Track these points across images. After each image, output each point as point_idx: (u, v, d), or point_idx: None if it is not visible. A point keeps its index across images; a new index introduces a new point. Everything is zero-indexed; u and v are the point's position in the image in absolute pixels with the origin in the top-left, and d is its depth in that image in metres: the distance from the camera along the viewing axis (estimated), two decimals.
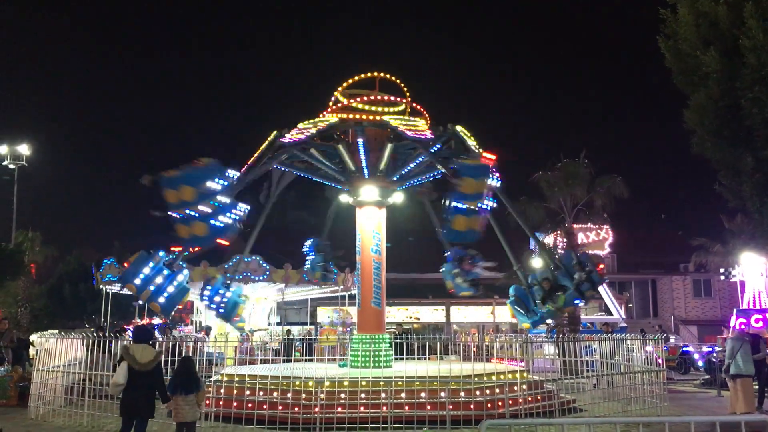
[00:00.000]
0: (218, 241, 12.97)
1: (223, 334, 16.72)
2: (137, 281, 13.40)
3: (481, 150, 15.39)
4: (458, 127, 15.52)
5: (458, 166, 13.17)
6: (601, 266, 15.13)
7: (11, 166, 38.46)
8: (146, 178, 12.75)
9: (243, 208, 13.34)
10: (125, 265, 13.61)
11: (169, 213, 12.50)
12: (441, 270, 17.63)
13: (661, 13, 15.72)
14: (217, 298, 15.01)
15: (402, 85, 16.05)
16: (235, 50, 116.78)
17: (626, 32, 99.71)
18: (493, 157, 13.60)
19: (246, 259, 20.96)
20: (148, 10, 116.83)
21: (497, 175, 14.57)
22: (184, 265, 14.56)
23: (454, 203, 12.79)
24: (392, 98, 15.77)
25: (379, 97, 15.74)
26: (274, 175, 16.61)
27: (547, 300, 14.97)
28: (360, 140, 15.17)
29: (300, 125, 15.26)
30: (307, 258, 18.19)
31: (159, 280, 13.64)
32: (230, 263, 21.13)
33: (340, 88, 16.06)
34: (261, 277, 22.27)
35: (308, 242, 18.21)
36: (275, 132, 15.64)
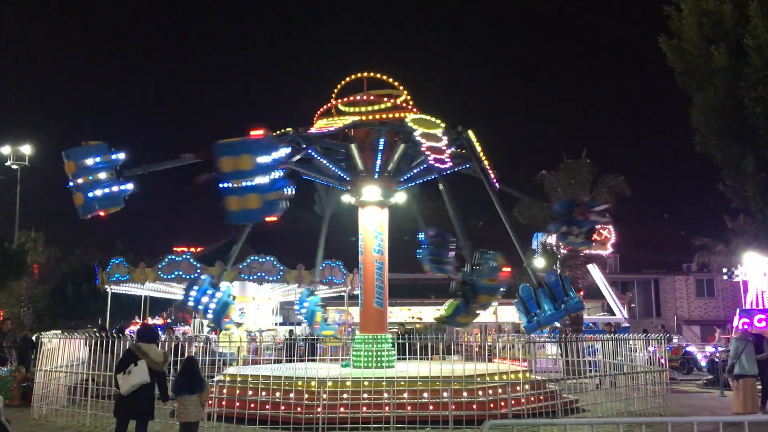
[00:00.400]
0: (267, 217, 12.57)
1: (226, 335, 16.77)
2: (82, 163, 13.36)
3: (488, 163, 15.46)
4: (470, 132, 15.49)
5: (215, 146, 12.44)
6: (507, 269, 14.78)
7: (14, 167, 38.47)
8: (202, 177, 12.82)
9: (125, 187, 13.42)
10: (82, 143, 13.55)
11: (220, 183, 12.13)
12: (418, 254, 17.00)
13: (665, 11, 15.69)
14: (204, 299, 14.58)
15: (393, 81, 16.08)
16: (235, 50, 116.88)
17: (629, 31, 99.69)
18: (260, 132, 12.54)
19: (260, 260, 20.98)
20: (149, 10, 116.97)
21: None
22: (227, 284, 15.02)
23: (220, 185, 12.27)
24: (374, 97, 15.87)
25: (366, 97, 15.82)
26: (321, 189, 16.73)
27: (527, 316, 14.82)
28: (381, 140, 15.16)
29: (318, 122, 15.21)
30: (302, 308, 17.80)
31: (103, 175, 13.47)
32: (244, 264, 21.17)
33: (335, 90, 16.13)
34: (275, 278, 22.26)
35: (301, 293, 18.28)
36: (290, 129, 15.51)
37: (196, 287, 14.66)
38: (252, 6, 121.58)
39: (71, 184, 13.31)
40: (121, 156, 13.52)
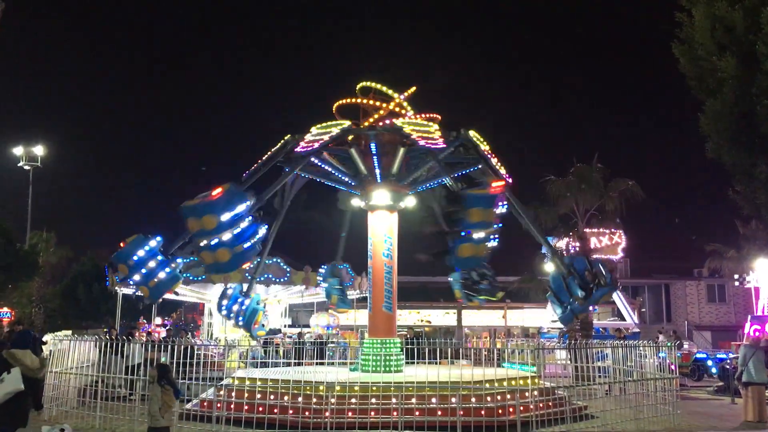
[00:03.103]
0: (242, 265, 13.34)
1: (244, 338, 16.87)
2: (130, 262, 13.52)
3: (496, 161, 15.43)
4: (471, 132, 15.48)
5: (466, 196, 13.11)
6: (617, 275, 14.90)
7: (26, 167, 38.71)
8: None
9: (262, 229, 13.41)
10: (120, 245, 13.64)
11: (195, 242, 12.80)
12: (450, 280, 17.51)
13: (677, 17, 15.62)
14: (235, 307, 15.26)
15: (386, 89, 16.14)
16: (248, 55, 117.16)
17: (641, 36, 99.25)
18: (501, 183, 13.44)
19: (266, 262, 21.02)
20: (165, 14, 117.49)
21: (504, 202, 14.17)
22: (181, 259, 14.83)
23: (461, 232, 12.78)
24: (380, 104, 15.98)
25: (367, 101, 16.02)
26: (287, 180, 16.63)
27: (560, 305, 14.81)
28: (373, 144, 15.20)
29: (313, 129, 15.26)
30: (322, 284, 18.15)
31: (152, 264, 13.62)
32: (250, 265, 21.14)
33: (335, 105, 16.35)
34: (281, 279, 22.20)
35: (323, 268, 18.35)
36: (288, 136, 15.67)
37: (226, 297, 15.48)
38: (258, 12, 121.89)
39: (131, 281, 13.76)
40: (158, 240, 13.71)
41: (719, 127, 15.03)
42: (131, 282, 13.81)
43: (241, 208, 12.65)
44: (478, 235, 12.89)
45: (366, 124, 15.65)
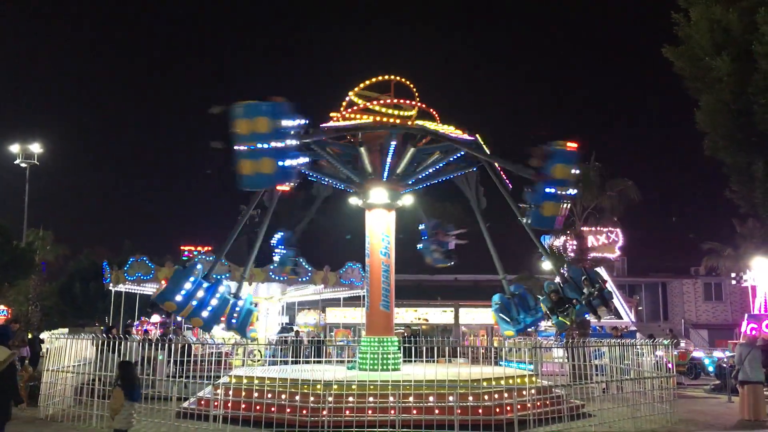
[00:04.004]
0: (279, 184, 12.55)
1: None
2: (178, 298, 13.33)
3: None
4: (477, 136, 15.60)
5: (552, 150, 12.98)
6: (606, 283, 15.07)
7: (23, 165, 38.63)
8: (216, 108, 12.15)
9: (222, 287, 13.52)
10: (162, 282, 13.50)
11: (234, 146, 11.84)
12: (419, 247, 17.84)
13: (674, 18, 15.65)
14: (226, 310, 14.44)
15: (413, 88, 16.03)
16: (248, 52, 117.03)
17: (638, 35, 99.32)
18: (280, 98, 12.50)
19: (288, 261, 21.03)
20: (164, 13, 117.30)
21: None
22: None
23: (546, 189, 12.78)
24: (404, 102, 15.75)
25: (390, 101, 15.72)
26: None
27: (555, 311, 14.87)
28: (393, 143, 15.17)
29: (331, 123, 15.20)
30: (276, 251, 17.91)
31: (200, 294, 13.52)
32: (275, 264, 21.14)
33: (355, 89, 15.97)
34: (303, 279, 22.21)
35: (277, 235, 17.95)
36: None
37: (189, 279, 13.92)
38: (267, 7, 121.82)
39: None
40: (199, 268, 13.40)
41: (716, 124, 15.06)
42: (183, 319, 13.51)
43: (292, 123, 12.18)
44: (561, 191, 12.98)
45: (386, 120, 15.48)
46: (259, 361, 19.40)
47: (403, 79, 15.90)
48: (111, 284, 23.25)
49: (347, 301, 27.50)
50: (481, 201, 16.86)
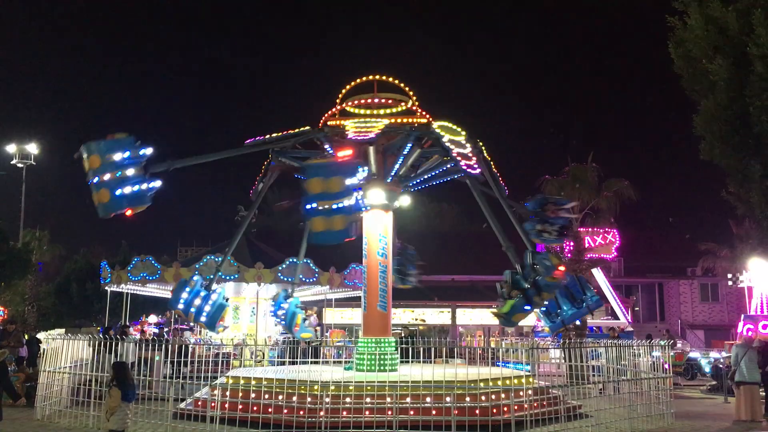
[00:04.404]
0: (347, 239, 12.87)
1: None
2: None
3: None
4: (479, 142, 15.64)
5: (305, 167, 13.04)
6: (562, 268, 14.50)
7: (19, 165, 38.57)
8: (285, 203, 13.02)
9: (154, 183, 13.23)
10: (107, 137, 13.33)
11: (306, 204, 12.50)
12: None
13: (669, 21, 15.66)
14: (197, 301, 14.28)
15: (403, 85, 16.02)
16: (247, 55, 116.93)
17: (635, 35, 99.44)
18: (349, 152, 13.19)
19: (297, 262, 21.08)
20: (163, 13, 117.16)
21: (360, 171, 13.57)
22: (214, 289, 14.75)
23: (306, 205, 12.58)
24: (390, 101, 15.79)
25: (377, 100, 15.76)
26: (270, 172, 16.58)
27: (547, 317, 14.71)
28: (409, 145, 15.16)
29: (349, 124, 15.03)
30: (282, 305, 17.38)
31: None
32: (283, 266, 21.20)
33: (343, 91, 16.03)
34: (310, 280, 22.27)
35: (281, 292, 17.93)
36: (307, 127, 15.54)
37: (188, 289, 14.35)
38: (263, 7, 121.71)
39: (95, 180, 12.74)
40: (149, 151, 13.23)
41: (713, 128, 15.06)
42: (95, 180, 13.00)
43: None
44: (325, 206, 12.57)
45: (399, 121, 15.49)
46: (261, 362, 19.42)
47: (389, 78, 15.90)
48: (112, 284, 23.07)
49: (343, 301, 27.55)
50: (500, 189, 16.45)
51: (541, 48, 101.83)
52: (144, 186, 13.12)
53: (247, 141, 15.41)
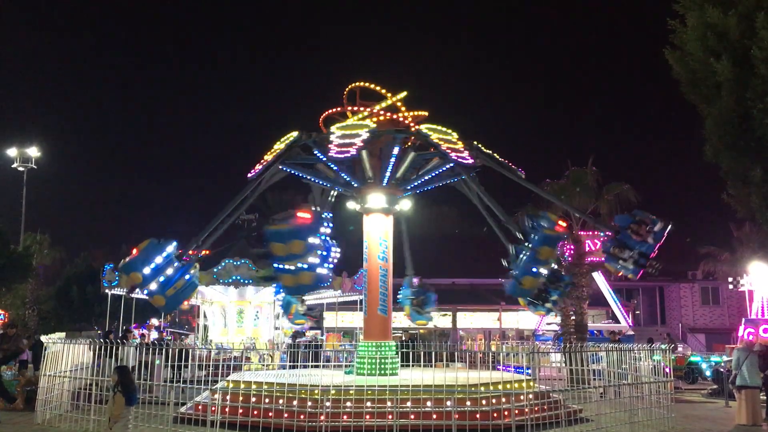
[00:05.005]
0: (321, 288, 13.78)
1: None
2: (146, 270, 12.99)
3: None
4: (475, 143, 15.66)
5: (265, 234, 13.37)
6: (562, 223, 13.97)
7: (20, 169, 38.58)
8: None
9: (193, 269, 13.70)
10: (133, 251, 13.26)
11: (273, 263, 13.11)
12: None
13: (670, 24, 15.66)
14: (169, 271, 13.37)
15: (383, 91, 16.13)
16: (247, 54, 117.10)
17: (636, 39, 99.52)
18: (308, 216, 13.63)
19: None
20: (163, 15, 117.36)
21: (325, 228, 14.69)
22: (193, 259, 14.15)
23: (531, 267, 13.15)
24: (368, 109, 15.97)
25: (357, 108, 16.03)
26: (315, 189, 16.99)
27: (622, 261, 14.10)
28: (397, 147, 15.21)
29: (335, 129, 15.10)
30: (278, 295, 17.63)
31: (169, 271, 13.28)
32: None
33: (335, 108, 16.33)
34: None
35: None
36: (295, 133, 15.57)
37: (164, 253, 13.26)
38: (257, 8, 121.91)
39: (146, 292, 13.41)
40: (174, 244, 13.54)
41: (720, 132, 15.05)
42: (147, 293, 13.36)
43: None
44: (543, 270, 13.33)
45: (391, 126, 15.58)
46: (270, 365, 19.45)
47: (371, 85, 16.07)
48: (121, 287, 22.93)
49: (341, 305, 27.56)
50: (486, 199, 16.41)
51: (542, 49, 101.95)
52: (187, 275, 13.55)
53: (249, 175, 15.64)
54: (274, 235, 12.99)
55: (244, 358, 18.57)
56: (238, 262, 20.99)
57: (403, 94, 16.08)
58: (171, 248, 13.42)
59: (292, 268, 12.95)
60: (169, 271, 13.30)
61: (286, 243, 12.86)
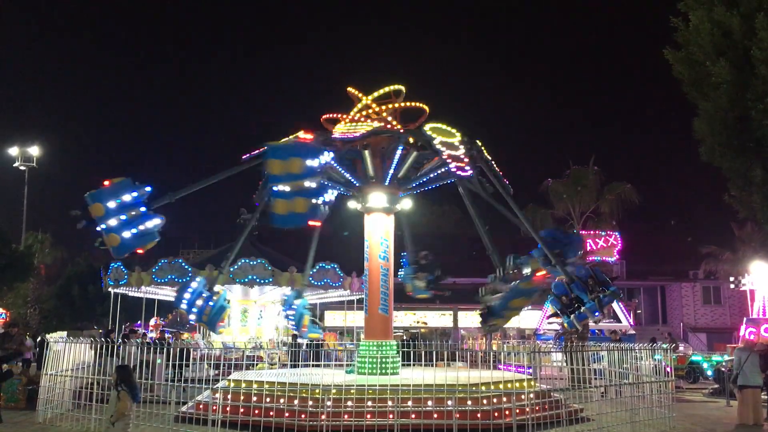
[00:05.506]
0: (312, 221, 12.97)
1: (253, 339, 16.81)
2: (111, 204, 12.88)
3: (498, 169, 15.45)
4: (478, 141, 15.64)
5: (265, 149, 12.94)
6: (540, 273, 14.38)
7: (22, 168, 38.61)
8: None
9: (156, 220, 13.24)
10: (104, 183, 12.95)
11: (269, 185, 12.60)
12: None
13: (673, 22, 15.65)
14: (199, 302, 14.20)
15: (403, 89, 16.09)
16: (244, 55, 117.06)
17: (638, 38, 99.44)
18: (310, 136, 13.19)
19: (326, 267, 21.09)
20: (162, 16, 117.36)
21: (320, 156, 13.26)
22: (216, 291, 14.49)
23: (270, 187, 12.57)
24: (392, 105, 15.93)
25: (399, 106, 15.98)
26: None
27: (566, 313, 14.60)
28: (400, 147, 15.20)
29: (338, 128, 15.14)
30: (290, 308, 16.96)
31: (200, 302, 13.53)
32: (314, 270, 21.31)
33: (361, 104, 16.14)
34: (336, 284, 22.44)
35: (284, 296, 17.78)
36: (301, 132, 15.48)
37: (189, 289, 14.29)
38: (261, 12, 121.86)
39: (103, 226, 12.91)
40: (147, 189, 13.31)
41: (713, 131, 15.06)
42: (103, 227, 12.89)
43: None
44: (286, 188, 12.57)
45: (392, 126, 15.52)
46: (275, 365, 19.51)
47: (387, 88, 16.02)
48: (130, 286, 22.93)
49: (340, 304, 27.58)
50: (486, 188, 16.39)
51: (542, 49, 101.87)
52: (149, 224, 13.19)
53: (244, 156, 15.21)
54: (273, 151, 12.45)
55: (255, 357, 18.65)
56: (254, 262, 20.96)
57: (394, 87, 16.01)
58: (143, 192, 13.20)
59: (287, 189, 12.32)
60: (134, 212, 13.10)
61: (285, 160, 12.30)
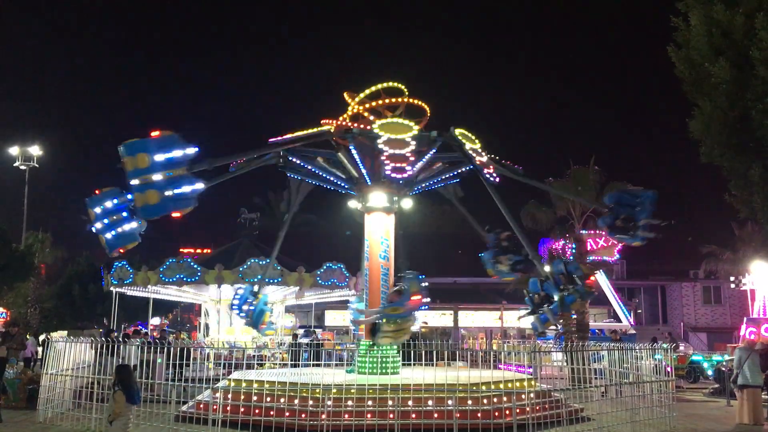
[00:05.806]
0: (172, 213, 13.08)
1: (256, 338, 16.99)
2: (98, 210, 13.36)
3: (489, 158, 15.39)
4: (458, 131, 15.48)
5: (120, 147, 12.89)
6: (592, 278, 14.44)
7: (22, 167, 38.61)
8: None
9: (199, 184, 13.25)
10: (96, 192, 13.44)
11: (129, 182, 12.72)
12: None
13: (673, 22, 15.64)
14: (245, 307, 15.58)
15: (403, 88, 15.99)
16: (246, 53, 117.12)
17: (639, 37, 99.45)
18: (157, 132, 13.06)
19: (332, 267, 21.10)
20: (161, 16, 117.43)
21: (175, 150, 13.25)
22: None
23: (128, 182, 12.83)
24: (391, 101, 15.82)
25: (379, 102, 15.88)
26: (293, 185, 16.71)
27: (534, 312, 14.67)
28: (352, 147, 15.15)
29: (376, 127, 15.01)
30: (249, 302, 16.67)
31: (115, 217, 13.44)
32: (322, 270, 21.37)
33: (351, 101, 16.08)
34: (343, 284, 22.52)
35: (240, 289, 17.26)
36: (326, 126, 15.36)
37: (238, 296, 15.88)
38: (265, 10, 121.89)
39: (139, 180, 12.93)
40: (194, 150, 13.29)
41: (712, 131, 15.04)
42: (136, 182, 13.00)
43: (176, 153, 12.82)
44: (143, 181, 12.81)
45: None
46: (277, 364, 19.58)
47: (394, 83, 15.90)
48: (136, 285, 22.95)
49: (339, 304, 27.64)
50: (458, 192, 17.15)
51: (543, 48, 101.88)
52: (192, 187, 13.19)
53: (271, 140, 15.42)
54: (125, 148, 12.66)
55: (261, 356, 18.73)
56: (264, 261, 21.02)
57: (384, 85, 15.92)
58: (124, 200, 13.29)
59: (137, 183, 12.57)
60: (116, 217, 13.32)
61: (133, 156, 12.56)
